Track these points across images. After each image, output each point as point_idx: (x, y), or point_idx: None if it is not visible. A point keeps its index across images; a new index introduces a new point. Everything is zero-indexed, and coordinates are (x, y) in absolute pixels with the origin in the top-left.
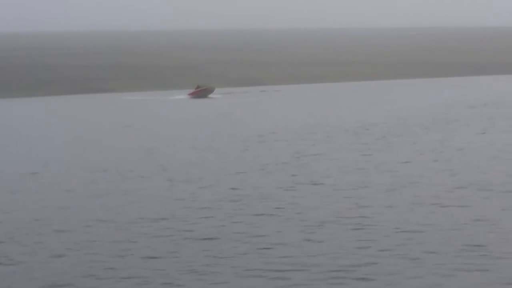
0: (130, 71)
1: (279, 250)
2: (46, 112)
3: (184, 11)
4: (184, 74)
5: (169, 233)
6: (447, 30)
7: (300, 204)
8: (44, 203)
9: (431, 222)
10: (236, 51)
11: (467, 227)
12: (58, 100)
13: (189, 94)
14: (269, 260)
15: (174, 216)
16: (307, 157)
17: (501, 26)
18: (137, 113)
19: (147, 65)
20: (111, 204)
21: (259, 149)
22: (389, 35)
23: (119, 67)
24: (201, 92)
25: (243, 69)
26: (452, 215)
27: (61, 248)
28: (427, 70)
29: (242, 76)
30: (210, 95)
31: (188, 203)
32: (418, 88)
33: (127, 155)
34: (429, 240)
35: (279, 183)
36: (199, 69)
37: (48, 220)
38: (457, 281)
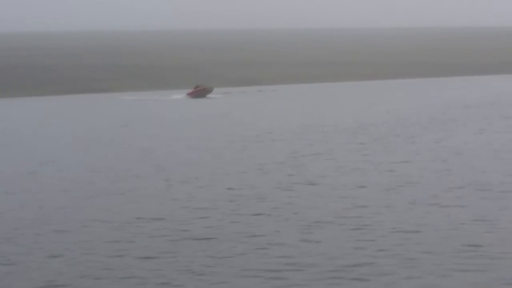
0: (129, 71)
1: (276, 250)
2: (45, 111)
3: (184, 11)
4: (183, 74)
5: (166, 233)
6: (447, 30)
7: (297, 204)
8: (42, 203)
9: (428, 222)
10: (236, 51)
11: (465, 227)
12: (57, 99)
13: (188, 94)
14: (266, 260)
15: (171, 216)
16: (304, 157)
17: (501, 26)
18: (135, 113)
19: (146, 65)
20: (108, 204)
21: (256, 149)
22: (389, 35)
23: (118, 67)
24: (199, 92)
25: (242, 69)
26: (450, 215)
27: (58, 248)
28: (427, 70)
29: (241, 76)
30: (209, 95)
31: (185, 203)
32: (417, 88)
33: (124, 155)
34: (426, 240)
35: (276, 183)
36: (198, 69)
37: (45, 220)
38: (455, 281)
